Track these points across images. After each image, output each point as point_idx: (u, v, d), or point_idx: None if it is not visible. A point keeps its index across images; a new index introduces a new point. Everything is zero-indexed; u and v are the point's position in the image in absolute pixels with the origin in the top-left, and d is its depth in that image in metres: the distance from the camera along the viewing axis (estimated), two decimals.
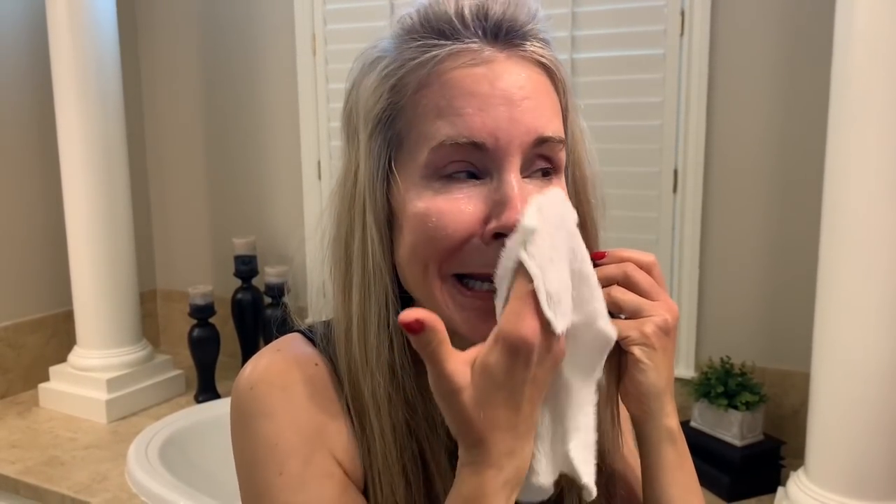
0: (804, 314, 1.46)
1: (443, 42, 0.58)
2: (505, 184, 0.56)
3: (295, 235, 2.25)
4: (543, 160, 0.59)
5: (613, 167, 1.77)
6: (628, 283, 0.62)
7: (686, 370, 1.80)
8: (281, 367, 0.63)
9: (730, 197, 1.74)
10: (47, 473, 1.72)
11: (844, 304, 1.29)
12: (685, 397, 1.69)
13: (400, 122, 0.59)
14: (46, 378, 2.13)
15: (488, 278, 0.55)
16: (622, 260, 0.63)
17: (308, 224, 2.22)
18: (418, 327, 0.49)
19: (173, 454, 1.70)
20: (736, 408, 1.56)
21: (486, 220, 0.56)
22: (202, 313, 2.09)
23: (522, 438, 0.52)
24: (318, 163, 2.18)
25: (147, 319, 2.38)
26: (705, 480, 1.57)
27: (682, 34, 1.71)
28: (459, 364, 0.50)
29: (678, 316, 0.63)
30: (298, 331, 0.67)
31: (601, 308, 0.54)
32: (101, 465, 1.76)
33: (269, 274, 2.15)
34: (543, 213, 0.51)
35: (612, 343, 0.55)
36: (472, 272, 0.58)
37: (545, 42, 0.61)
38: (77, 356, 2.08)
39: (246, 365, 0.64)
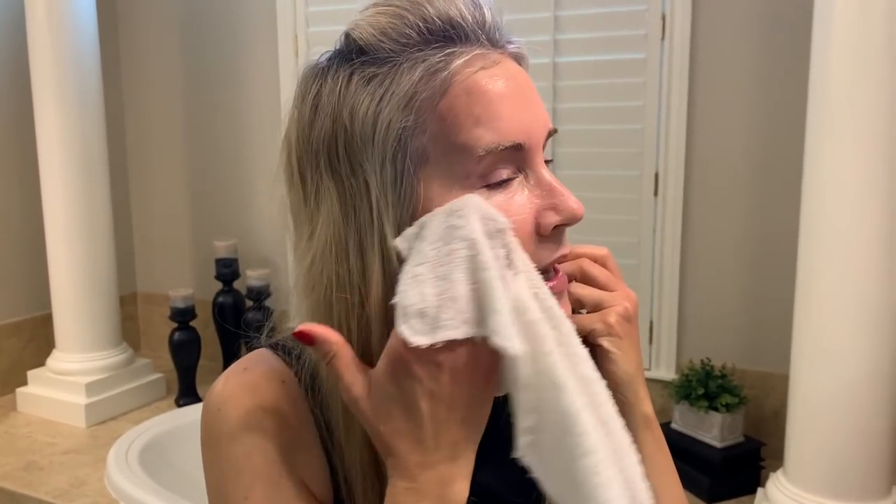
0: (784, 316, 1.48)
1: (453, 48, 0.57)
2: (544, 177, 0.57)
3: (277, 238, 2.24)
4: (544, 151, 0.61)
5: (594, 170, 1.77)
6: (586, 278, 0.63)
7: (667, 372, 1.81)
8: (248, 386, 0.61)
9: (710, 200, 1.75)
10: (25, 479, 1.70)
11: (823, 307, 1.31)
12: (666, 399, 1.70)
13: (423, 137, 0.56)
14: (24, 382, 2.10)
15: (544, 271, 0.56)
16: (577, 256, 0.64)
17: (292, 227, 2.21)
18: (308, 340, 0.52)
19: (153, 459, 1.69)
20: (716, 409, 1.57)
21: (536, 216, 0.57)
22: (183, 316, 2.08)
23: (436, 453, 0.51)
24: None
25: (127, 323, 2.36)
26: (686, 482, 1.57)
27: (662, 38, 1.72)
28: (358, 375, 0.52)
29: (637, 302, 0.64)
30: (268, 346, 0.66)
31: (501, 321, 0.48)
32: (79, 470, 1.74)
33: (251, 277, 2.14)
34: (426, 229, 0.51)
35: (512, 357, 0.49)
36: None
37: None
38: (56, 360, 2.06)
39: (215, 383, 0.63)
